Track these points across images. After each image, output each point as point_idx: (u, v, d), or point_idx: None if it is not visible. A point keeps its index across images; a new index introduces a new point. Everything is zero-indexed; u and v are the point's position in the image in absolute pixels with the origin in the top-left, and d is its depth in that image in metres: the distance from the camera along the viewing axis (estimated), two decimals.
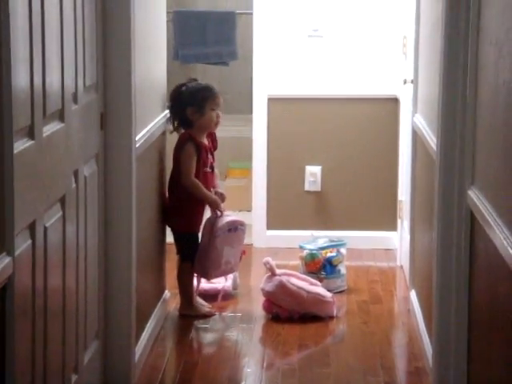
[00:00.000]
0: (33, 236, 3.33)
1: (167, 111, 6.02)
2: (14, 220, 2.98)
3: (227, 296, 6.28)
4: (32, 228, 3.32)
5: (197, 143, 5.99)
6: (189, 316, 5.95)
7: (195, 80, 6.34)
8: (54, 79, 3.61)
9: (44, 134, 3.47)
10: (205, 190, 5.98)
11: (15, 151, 3.04)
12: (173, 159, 6.06)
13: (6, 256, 2.91)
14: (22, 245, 3.20)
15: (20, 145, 3.15)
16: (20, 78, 3.15)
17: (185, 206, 6.00)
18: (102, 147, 4.65)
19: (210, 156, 6.13)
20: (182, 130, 6.09)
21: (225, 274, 6.15)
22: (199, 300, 6.09)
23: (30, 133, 3.29)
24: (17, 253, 3.06)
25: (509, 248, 3.01)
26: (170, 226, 6.09)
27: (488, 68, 3.58)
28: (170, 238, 6.19)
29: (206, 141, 6.10)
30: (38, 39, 3.35)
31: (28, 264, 3.29)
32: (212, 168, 6.17)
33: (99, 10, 4.50)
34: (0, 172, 2.90)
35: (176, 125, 6.10)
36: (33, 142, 3.31)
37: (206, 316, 5.97)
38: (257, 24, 7.41)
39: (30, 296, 3.31)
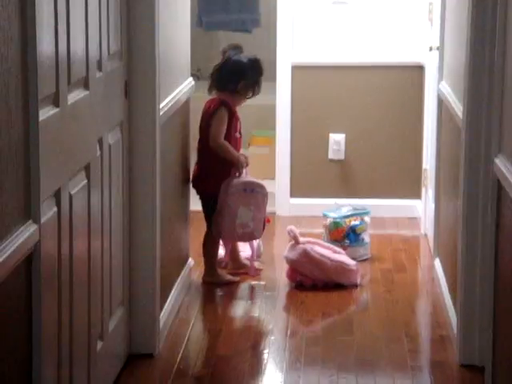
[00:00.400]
0: (58, 204, 3.31)
1: (191, 78, 5.99)
2: (40, 188, 2.96)
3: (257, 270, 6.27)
4: (57, 196, 3.30)
5: (230, 109, 6.03)
6: (212, 283, 5.95)
7: (240, 47, 6.31)
8: (78, 46, 3.58)
9: (69, 102, 3.44)
10: (233, 151, 6.00)
11: (40, 119, 3.02)
12: (202, 122, 6.08)
13: (33, 223, 2.90)
14: (48, 212, 3.19)
15: (45, 112, 3.12)
16: (45, 45, 3.12)
17: (213, 169, 6.00)
18: (126, 115, 4.63)
19: (238, 122, 6.16)
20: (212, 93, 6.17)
21: (245, 239, 6.11)
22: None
23: (55, 100, 3.26)
24: (43, 220, 3.05)
25: None
26: (198, 191, 6.09)
27: None
28: (194, 205, 6.19)
29: None
30: (62, 7, 3.31)
31: (54, 231, 3.28)
32: (240, 134, 6.22)
33: None
34: (25, 140, 2.87)
35: (214, 87, 6.15)
36: (58, 109, 3.28)
37: (230, 283, 5.97)
38: None
39: (55, 263, 3.29)
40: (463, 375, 4.74)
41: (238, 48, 6.28)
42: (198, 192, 6.10)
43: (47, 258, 3.13)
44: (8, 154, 2.74)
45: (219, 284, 5.94)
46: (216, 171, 5.98)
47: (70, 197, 3.49)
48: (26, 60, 2.87)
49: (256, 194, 6.03)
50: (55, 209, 3.28)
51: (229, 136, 6.04)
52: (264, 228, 6.07)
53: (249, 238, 6.07)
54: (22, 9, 2.81)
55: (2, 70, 2.67)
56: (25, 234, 2.83)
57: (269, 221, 6.20)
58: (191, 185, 6.06)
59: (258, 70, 6.16)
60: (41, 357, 3.03)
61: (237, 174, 5.99)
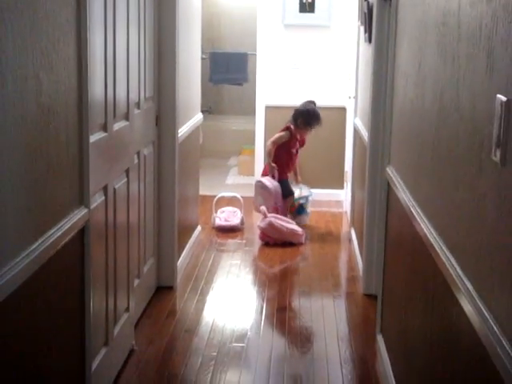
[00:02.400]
0: (105, 194, 3.18)
1: (200, 113, 5.89)
2: (90, 185, 2.81)
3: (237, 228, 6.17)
4: (105, 189, 3.17)
5: (291, 133, 6.29)
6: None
7: (314, 103, 6.46)
8: (122, 93, 3.44)
9: (114, 129, 3.30)
10: (271, 157, 6.26)
11: (93, 140, 2.90)
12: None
13: (84, 208, 2.76)
14: (98, 200, 3.06)
15: (97, 136, 3.00)
16: (98, 92, 3.01)
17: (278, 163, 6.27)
18: (156, 137, 4.52)
19: (297, 144, 6.40)
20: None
21: (261, 213, 6.01)
22: None
23: (104, 127, 3.13)
24: (93, 206, 2.91)
25: (408, 203, 2.94)
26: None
27: (399, 90, 3.45)
28: (202, 191, 6.07)
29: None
30: (110, 66, 3.18)
31: (102, 212, 3.15)
32: (297, 151, 6.44)
33: (156, 45, 4.39)
34: (80, 154, 2.73)
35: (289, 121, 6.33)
36: (106, 133, 3.15)
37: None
38: (259, 61, 7.19)
39: (103, 231, 3.17)
40: (364, 300, 4.68)
41: (312, 102, 6.46)
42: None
43: (96, 229, 3.01)
44: (67, 164, 2.60)
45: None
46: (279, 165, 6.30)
47: (114, 190, 3.34)
48: (82, 101, 2.72)
49: (265, 190, 6.15)
50: (103, 197, 3.14)
51: (288, 149, 6.30)
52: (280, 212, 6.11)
53: (263, 214, 5.94)
54: (79, 65, 2.68)
55: (64, 108, 2.54)
56: (79, 215, 2.69)
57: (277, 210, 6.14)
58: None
59: (311, 115, 6.28)
60: (90, 291, 2.90)
61: (271, 175, 6.26)
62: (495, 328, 1.66)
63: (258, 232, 5.93)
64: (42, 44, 2.26)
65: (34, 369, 2.33)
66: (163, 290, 4.68)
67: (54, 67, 2.38)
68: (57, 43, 2.41)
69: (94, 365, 3.06)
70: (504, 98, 1.64)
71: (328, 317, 4.43)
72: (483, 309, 1.77)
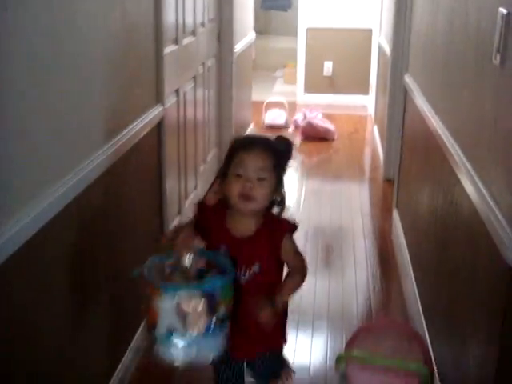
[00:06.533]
0: (177, 96, 3.16)
1: (253, 32, 5.74)
2: (165, 87, 2.78)
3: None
4: (177, 92, 3.16)
5: None
6: None
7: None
8: (189, 15, 3.38)
9: (183, 43, 3.25)
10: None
11: (167, 51, 2.85)
12: None
13: (160, 105, 2.73)
14: (172, 100, 3.05)
15: (170, 48, 2.96)
16: (171, 13, 2.97)
17: None
18: (217, 51, 4.43)
19: None
20: None
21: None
22: None
23: (175, 41, 3.09)
24: (168, 105, 2.90)
25: (422, 104, 2.84)
26: None
27: (418, 13, 3.29)
28: (255, 97, 5.98)
29: None
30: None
31: (175, 109, 3.14)
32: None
33: None
34: (157, 63, 2.69)
35: None
36: (177, 46, 3.10)
37: None
38: None
39: (175, 125, 3.16)
40: (384, 184, 4.63)
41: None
42: None
43: (170, 123, 3.00)
44: (147, 71, 2.57)
45: None
46: None
47: (184, 93, 3.32)
48: (158, 20, 2.65)
49: None
50: (175, 98, 3.13)
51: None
52: None
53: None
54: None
55: (144, 26, 2.49)
56: (156, 111, 2.67)
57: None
58: None
59: None
60: (165, 172, 2.91)
61: None
62: (491, 203, 1.64)
63: (299, 130, 5.87)
64: None
65: (120, 227, 2.38)
66: None
67: None
68: None
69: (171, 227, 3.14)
70: (505, 11, 1.60)
71: (354, 198, 4.43)
72: (481, 187, 1.74)
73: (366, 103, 6.95)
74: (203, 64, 3.92)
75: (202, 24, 3.82)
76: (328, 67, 7.08)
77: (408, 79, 3.51)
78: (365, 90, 6.99)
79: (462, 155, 2.02)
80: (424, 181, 2.84)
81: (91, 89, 1.93)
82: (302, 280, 1.68)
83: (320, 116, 5.98)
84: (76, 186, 1.77)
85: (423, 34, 3.08)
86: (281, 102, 6.38)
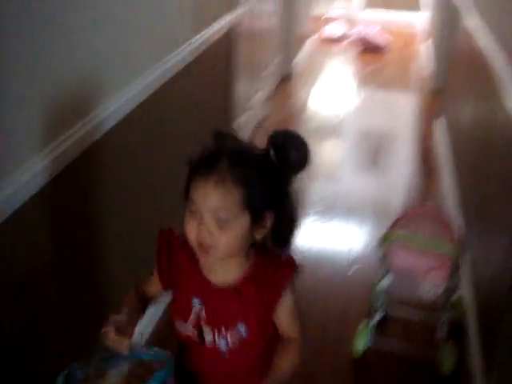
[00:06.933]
0: (247, 6, 3.29)
1: None
2: None
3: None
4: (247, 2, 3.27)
5: None
6: None
7: None
8: None
9: None
10: None
11: None
12: None
13: (234, 13, 2.89)
14: (242, 9, 3.14)
15: None
16: None
17: None
18: None
19: None
20: None
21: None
22: None
23: None
24: (239, 14, 3.03)
25: (475, 24, 2.84)
26: None
27: None
28: None
29: None
30: None
31: (245, 19, 3.23)
32: None
33: None
34: None
35: None
36: None
37: None
38: None
39: (245, 32, 3.25)
40: (433, 94, 4.63)
41: None
42: None
43: (240, 31, 3.12)
44: None
45: None
46: None
47: (253, 3, 3.46)
48: None
49: None
50: (246, 7, 3.25)
51: None
52: None
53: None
54: None
55: None
56: (228, 17, 2.84)
57: None
58: None
59: None
60: (235, 73, 3.06)
61: None
62: None
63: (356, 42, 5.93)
64: None
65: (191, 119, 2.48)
66: (285, 79, 4.81)
67: None
68: None
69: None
70: None
71: (402, 105, 4.61)
72: None
73: (417, 19, 6.89)
74: None
75: None
76: None
77: None
78: (416, 6, 6.93)
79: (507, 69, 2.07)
80: (468, 94, 2.92)
81: None
82: (297, 358, 1.17)
83: (377, 29, 6.02)
84: (163, 74, 1.96)
85: None
86: (339, 15, 6.43)
